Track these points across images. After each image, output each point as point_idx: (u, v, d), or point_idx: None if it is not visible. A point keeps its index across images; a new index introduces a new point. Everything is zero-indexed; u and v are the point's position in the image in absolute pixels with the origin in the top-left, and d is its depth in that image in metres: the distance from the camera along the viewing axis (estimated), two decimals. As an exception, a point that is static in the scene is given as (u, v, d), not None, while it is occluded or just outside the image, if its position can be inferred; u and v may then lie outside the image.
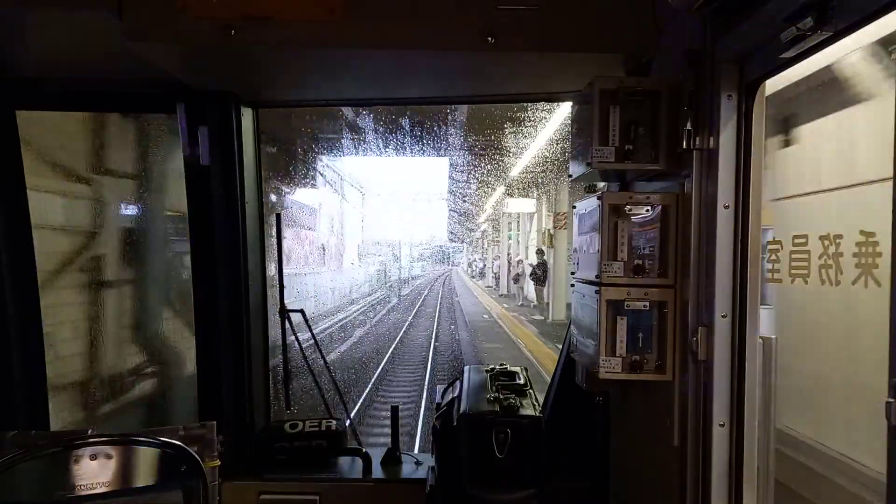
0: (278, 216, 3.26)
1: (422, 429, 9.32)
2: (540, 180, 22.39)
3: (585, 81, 2.02)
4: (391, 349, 15.39)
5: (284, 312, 2.95)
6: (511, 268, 30.30)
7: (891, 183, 1.16)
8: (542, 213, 24.52)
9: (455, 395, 2.48)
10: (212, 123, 2.69)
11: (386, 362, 13.76)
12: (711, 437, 1.74)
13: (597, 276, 2.00)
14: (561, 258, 19.55)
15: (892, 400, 1.14)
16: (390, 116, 16.53)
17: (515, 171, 21.83)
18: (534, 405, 2.35)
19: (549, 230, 21.44)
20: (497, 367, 2.75)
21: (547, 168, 19.39)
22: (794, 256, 2.10)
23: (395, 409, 3.05)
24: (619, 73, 2.32)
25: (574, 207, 2.37)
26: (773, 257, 2.16)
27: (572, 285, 2.35)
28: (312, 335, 3.11)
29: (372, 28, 2.14)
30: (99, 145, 3.76)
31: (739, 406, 1.73)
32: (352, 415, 3.71)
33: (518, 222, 32.32)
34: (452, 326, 20.15)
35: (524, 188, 24.77)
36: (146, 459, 1.92)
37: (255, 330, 2.96)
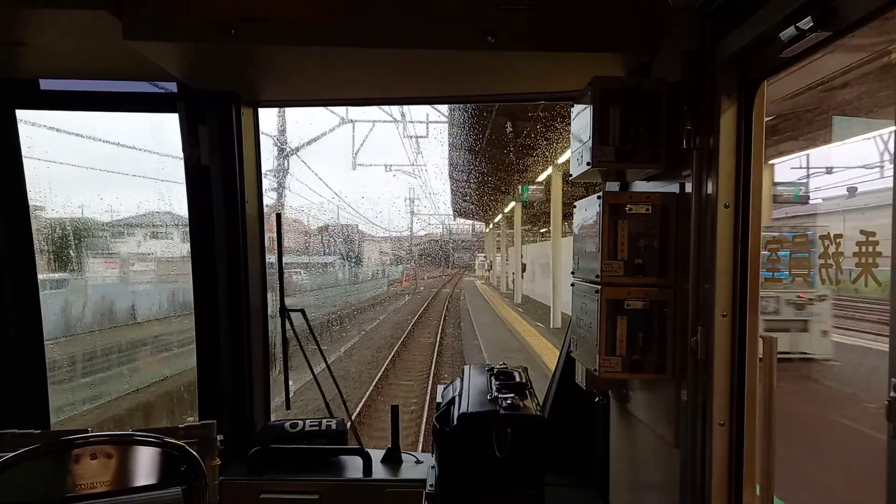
0: (278, 216, 3.26)
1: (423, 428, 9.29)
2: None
3: (585, 81, 2.02)
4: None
5: (284, 312, 2.95)
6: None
7: None
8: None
9: (455, 394, 2.48)
10: (212, 123, 2.69)
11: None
12: (711, 436, 1.74)
13: (597, 276, 2.00)
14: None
15: (892, 397, 1.14)
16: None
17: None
18: (534, 405, 2.35)
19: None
20: (497, 366, 2.74)
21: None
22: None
23: (395, 409, 3.04)
24: (619, 73, 2.32)
25: (575, 207, 2.37)
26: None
27: (572, 285, 2.35)
28: (313, 335, 3.11)
29: (372, 28, 2.14)
30: None
31: (739, 406, 1.73)
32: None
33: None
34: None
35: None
36: (146, 459, 1.91)
37: (255, 330, 2.96)
